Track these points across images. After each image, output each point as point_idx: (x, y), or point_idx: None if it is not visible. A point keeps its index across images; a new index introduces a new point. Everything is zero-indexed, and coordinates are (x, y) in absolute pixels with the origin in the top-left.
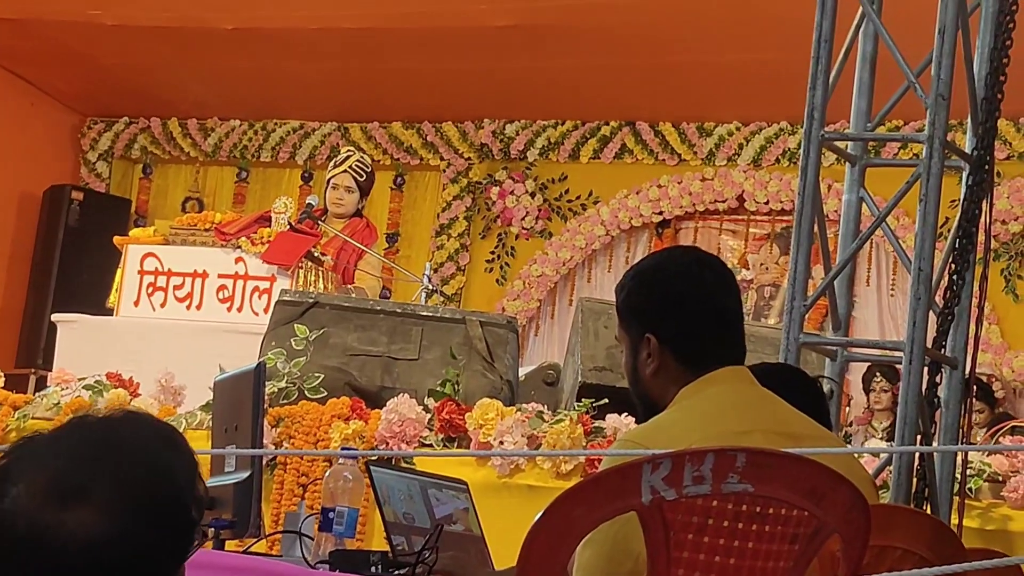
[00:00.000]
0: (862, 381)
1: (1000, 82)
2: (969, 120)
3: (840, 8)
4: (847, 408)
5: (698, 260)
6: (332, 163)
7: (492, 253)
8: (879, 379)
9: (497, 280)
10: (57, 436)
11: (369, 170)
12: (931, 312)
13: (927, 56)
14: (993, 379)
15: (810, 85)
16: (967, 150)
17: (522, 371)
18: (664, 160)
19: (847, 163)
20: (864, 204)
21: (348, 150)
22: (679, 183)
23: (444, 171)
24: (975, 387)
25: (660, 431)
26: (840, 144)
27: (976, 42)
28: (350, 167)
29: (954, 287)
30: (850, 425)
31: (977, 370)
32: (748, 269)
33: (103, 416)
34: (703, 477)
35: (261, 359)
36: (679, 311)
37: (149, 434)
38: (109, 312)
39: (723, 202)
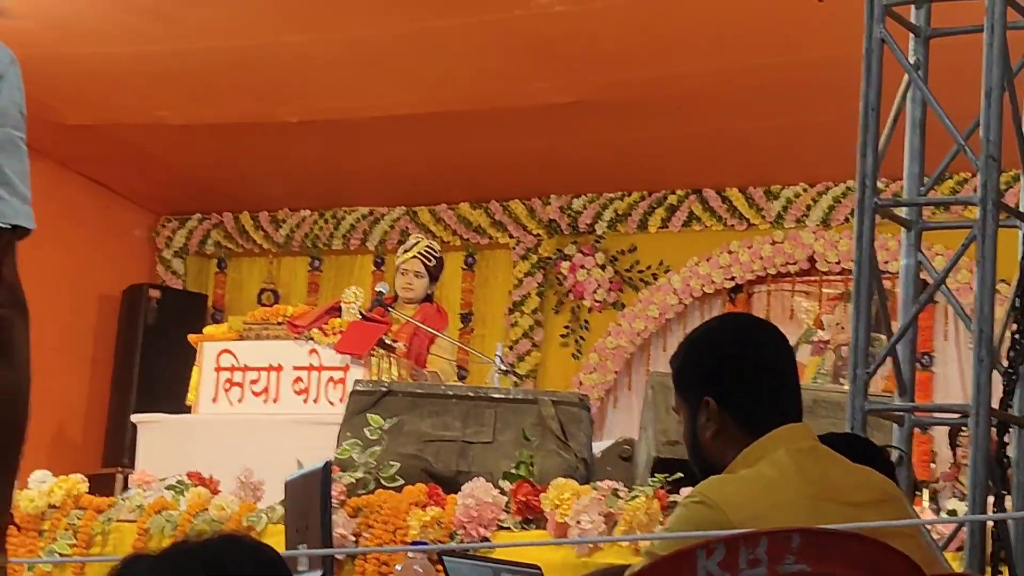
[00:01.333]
0: (948, 436)
1: None
2: (1022, 178)
3: (888, 73)
4: (932, 464)
5: (751, 323)
6: (401, 249)
7: (566, 327)
8: (965, 433)
9: (573, 354)
10: (160, 561)
11: (438, 255)
12: (997, 372)
13: (977, 116)
14: None
15: (860, 153)
16: (1022, 208)
17: (599, 446)
18: (733, 225)
19: (903, 228)
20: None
21: (417, 236)
22: (749, 247)
23: (514, 248)
24: None
25: (728, 485)
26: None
27: None
28: (419, 253)
29: (1017, 346)
30: (936, 481)
31: None
32: (823, 330)
33: (205, 540)
34: (759, 560)
35: (328, 458)
36: (736, 372)
37: (250, 560)
38: (189, 409)
39: (794, 264)
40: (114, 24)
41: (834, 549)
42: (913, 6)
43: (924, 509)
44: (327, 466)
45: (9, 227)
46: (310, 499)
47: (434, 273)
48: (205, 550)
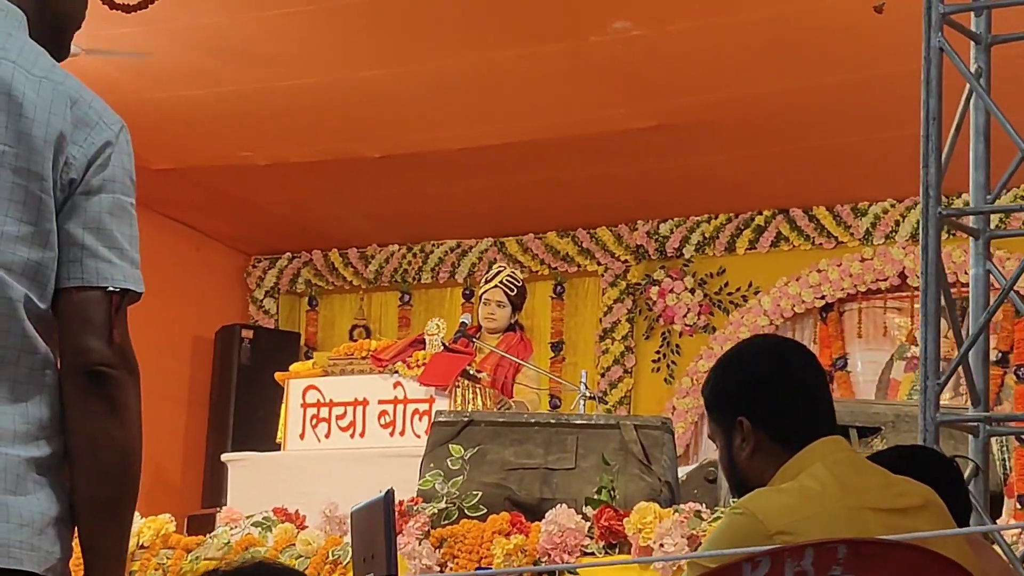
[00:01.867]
0: None
1: None
2: None
3: (952, 81)
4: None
5: (778, 341)
6: (484, 279)
7: (657, 353)
8: None
9: (665, 379)
10: None
11: (520, 284)
12: None
13: None
14: None
15: (923, 164)
16: None
17: (687, 470)
18: (821, 244)
19: (970, 237)
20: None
21: (499, 266)
22: (838, 266)
23: (602, 276)
24: None
25: (770, 500)
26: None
27: None
28: (501, 282)
29: None
30: None
31: None
32: (917, 345)
33: (237, 568)
34: (805, 572)
35: (390, 488)
36: (767, 390)
37: None
38: (279, 447)
39: (884, 280)
40: (193, 67)
41: (881, 558)
42: (972, 13)
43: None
44: (389, 494)
45: (119, 291)
46: (375, 528)
47: (516, 302)
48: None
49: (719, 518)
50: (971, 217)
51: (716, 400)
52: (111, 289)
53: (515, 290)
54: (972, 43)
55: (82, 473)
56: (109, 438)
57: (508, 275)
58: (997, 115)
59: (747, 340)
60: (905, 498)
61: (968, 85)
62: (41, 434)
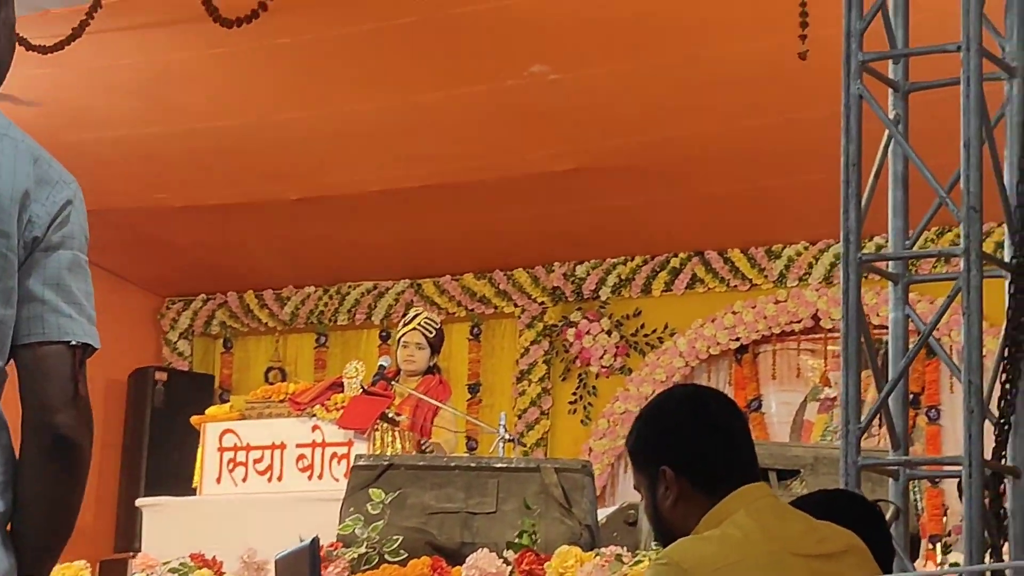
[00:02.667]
0: (957, 489)
1: None
2: (1005, 229)
3: (870, 127)
4: (944, 517)
5: (698, 391)
6: (401, 322)
7: (574, 394)
8: None
9: (582, 421)
10: None
11: (438, 326)
12: (989, 423)
13: (958, 169)
14: None
15: (843, 209)
16: (1007, 258)
17: (606, 512)
18: (736, 286)
19: (890, 282)
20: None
21: (416, 309)
22: (753, 307)
23: (519, 317)
24: None
25: (693, 549)
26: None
27: (1004, 152)
28: (419, 324)
29: (1008, 396)
30: (948, 535)
31: None
32: (830, 387)
33: None
34: None
35: (315, 536)
36: (688, 437)
37: None
38: (195, 492)
39: (798, 322)
40: (109, 109)
41: None
42: (891, 61)
43: (937, 563)
44: (315, 541)
45: (80, 345)
46: (299, 575)
47: (435, 344)
48: None
49: (640, 562)
50: (890, 262)
51: (639, 451)
52: (73, 344)
53: (433, 332)
54: (890, 90)
55: (31, 527)
56: (65, 499)
57: (426, 317)
58: (916, 161)
59: (667, 390)
60: (828, 543)
61: (887, 131)
62: None
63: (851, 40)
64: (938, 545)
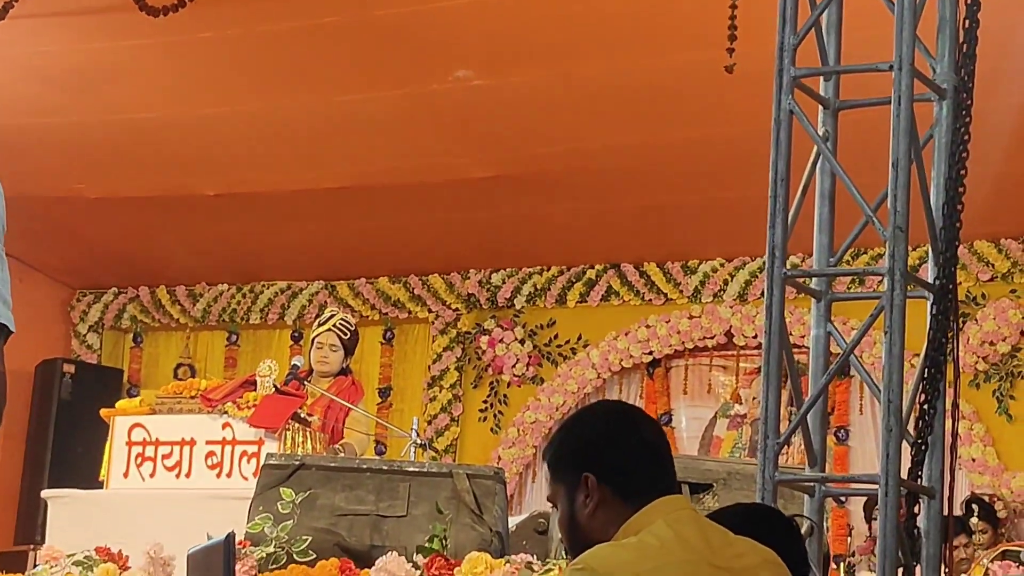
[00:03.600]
0: (863, 509)
1: (957, 212)
2: (930, 250)
3: (798, 144)
4: (849, 537)
5: (625, 405)
6: (316, 322)
7: (485, 402)
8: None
9: (492, 429)
10: None
11: (353, 328)
12: (906, 442)
13: (885, 188)
14: (995, 499)
15: (769, 224)
16: (930, 279)
17: (516, 520)
18: (651, 300)
19: (813, 299)
20: (832, 338)
21: (331, 310)
22: (667, 322)
23: (433, 323)
24: (977, 507)
25: (610, 555)
26: (806, 280)
27: (932, 173)
28: (334, 325)
29: (926, 416)
30: (852, 555)
31: (978, 491)
32: (741, 404)
33: None
34: None
35: (231, 530)
36: (612, 445)
37: None
38: (102, 485)
39: (712, 338)
40: (30, 96)
41: None
42: (822, 78)
43: None
44: (230, 537)
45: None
46: (213, 572)
47: (349, 346)
48: None
49: (550, 570)
50: (813, 279)
51: (559, 460)
52: None
53: (348, 334)
54: (820, 107)
55: None
56: None
57: (341, 319)
58: (844, 179)
59: (591, 404)
60: (746, 558)
61: (816, 148)
62: None
63: (784, 55)
64: (842, 565)
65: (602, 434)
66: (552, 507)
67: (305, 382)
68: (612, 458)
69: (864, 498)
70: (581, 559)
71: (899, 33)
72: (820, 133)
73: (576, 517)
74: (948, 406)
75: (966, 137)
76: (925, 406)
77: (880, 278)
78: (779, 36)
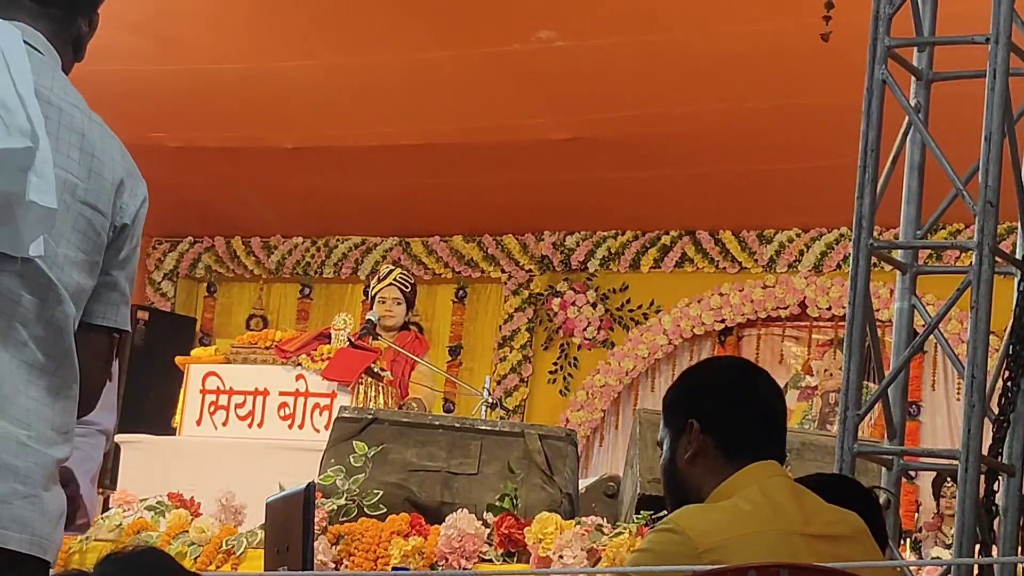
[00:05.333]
0: (932, 486)
1: None
2: (1019, 226)
3: (888, 116)
4: (916, 514)
5: (751, 364)
6: (375, 279)
7: (555, 364)
8: (949, 484)
9: (560, 391)
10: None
11: (412, 282)
12: (988, 419)
13: (975, 163)
14: None
15: (857, 194)
16: (1019, 255)
17: (584, 483)
18: (725, 268)
19: (898, 271)
20: (916, 312)
21: (388, 266)
22: (740, 291)
23: (505, 283)
24: None
25: (700, 516)
26: (892, 252)
27: None
28: (395, 279)
29: (1009, 393)
30: (919, 531)
31: None
32: (812, 376)
33: (124, 555)
34: None
35: (311, 480)
36: (724, 397)
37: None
38: (175, 432)
39: (785, 309)
40: (110, 42)
41: None
42: (916, 49)
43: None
44: (310, 487)
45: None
46: (291, 521)
47: (410, 299)
48: (125, 560)
49: (620, 534)
50: (899, 251)
51: (673, 404)
52: (123, 330)
53: (409, 287)
54: (913, 78)
55: None
56: None
57: (401, 272)
58: (935, 151)
59: (718, 356)
60: (836, 526)
61: (906, 119)
62: (65, 439)
63: (879, 24)
64: (908, 541)
65: (715, 384)
66: (659, 450)
67: (379, 336)
68: (718, 409)
69: (934, 474)
70: (670, 519)
71: (997, 5)
72: (912, 104)
73: (675, 462)
74: None
75: None
76: (1009, 383)
77: (959, 253)
78: (874, 5)
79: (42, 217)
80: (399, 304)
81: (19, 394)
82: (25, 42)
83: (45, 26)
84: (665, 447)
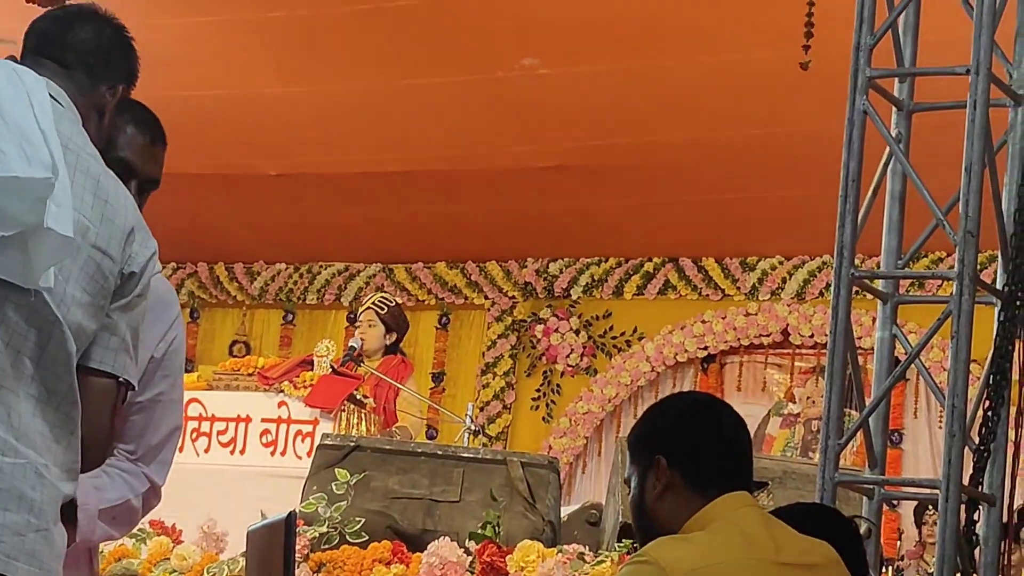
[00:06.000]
0: (914, 514)
1: None
2: (999, 256)
3: (869, 146)
4: (898, 541)
5: (709, 396)
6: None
7: (538, 391)
8: (931, 512)
9: (543, 418)
10: None
11: (391, 304)
12: (969, 448)
13: (956, 192)
14: None
15: (839, 224)
16: (999, 285)
17: (566, 510)
18: (708, 295)
19: (879, 300)
20: (898, 341)
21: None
22: (723, 318)
23: (489, 310)
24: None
25: (673, 548)
26: (873, 281)
27: (1004, 179)
28: (372, 303)
29: (989, 423)
30: (901, 559)
31: None
32: (795, 403)
33: None
34: None
35: (293, 507)
36: (690, 431)
37: None
38: None
39: (767, 336)
40: None
41: None
42: (896, 79)
43: None
44: (291, 516)
45: (126, 382)
46: (273, 549)
47: (388, 321)
48: None
49: (602, 562)
50: (880, 281)
51: (639, 441)
52: (122, 380)
53: (385, 309)
54: (894, 109)
55: None
56: None
57: (380, 296)
58: (915, 181)
59: (681, 392)
60: (808, 555)
61: (887, 149)
62: (70, 477)
63: (860, 55)
64: (890, 569)
65: (680, 419)
66: (625, 488)
67: (362, 363)
68: (686, 443)
69: (915, 502)
70: (644, 551)
71: (977, 37)
72: (893, 134)
73: (644, 498)
74: (1012, 414)
75: None
76: (989, 413)
77: (941, 282)
78: (856, 36)
79: (58, 245)
80: (372, 327)
81: (31, 428)
82: (48, 94)
83: (68, 86)
84: (633, 484)
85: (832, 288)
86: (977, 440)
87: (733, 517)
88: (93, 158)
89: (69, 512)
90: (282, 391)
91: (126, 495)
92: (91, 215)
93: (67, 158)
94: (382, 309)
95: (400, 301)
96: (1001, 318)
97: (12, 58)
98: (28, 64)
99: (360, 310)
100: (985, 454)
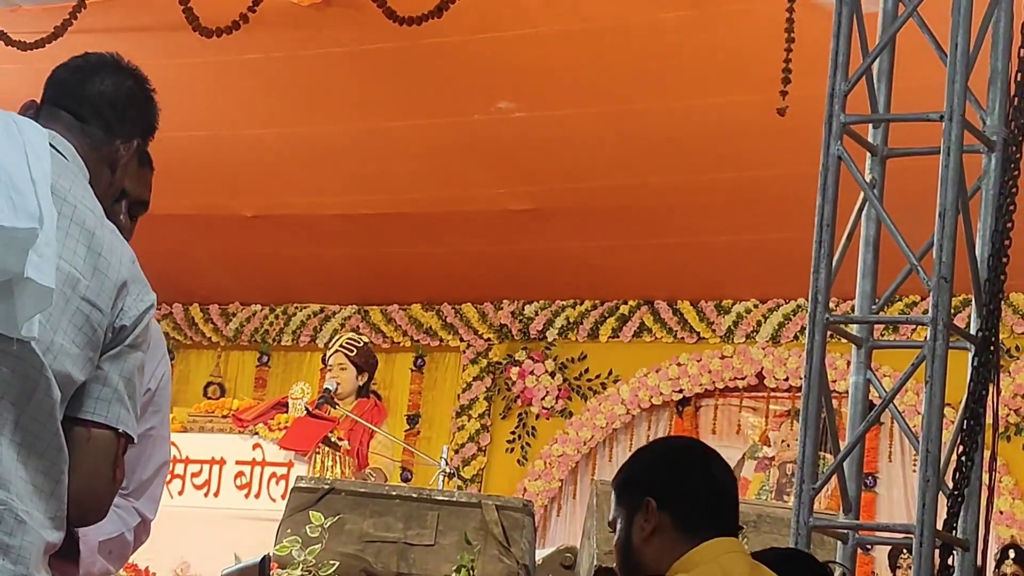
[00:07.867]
0: (888, 558)
1: (1003, 264)
2: (973, 301)
3: (843, 190)
4: None
5: (697, 442)
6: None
7: (513, 433)
8: (906, 556)
9: (518, 460)
10: None
11: (360, 345)
12: (943, 493)
13: (930, 238)
14: None
15: (813, 269)
16: (973, 330)
17: (541, 553)
18: (683, 338)
19: (853, 345)
20: (872, 386)
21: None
22: (698, 361)
23: (464, 352)
24: (1013, 552)
25: None
26: (848, 326)
27: (977, 224)
28: (341, 345)
29: (963, 468)
30: None
31: (1008, 542)
32: (770, 446)
33: None
34: None
35: (267, 551)
36: (679, 475)
37: None
38: None
39: (742, 379)
40: None
41: None
42: (871, 125)
43: None
44: (265, 559)
45: (125, 435)
46: None
47: (359, 364)
48: None
49: None
50: (855, 326)
51: (626, 484)
52: (121, 432)
53: (355, 351)
54: (868, 154)
55: None
56: None
57: (348, 338)
58: (889, 226)
59: (669, 436)
60: None
61: (861, 194)
62: (55, 526)
63: (834, 101)
64: None
65: (670, 462)
66: (610, 531)
67: (336, 406)
68: (676, 487)
69: (889, 547)
70: None
71: (951, 84)
72: (867, 180)
73: (631, 540)
74: (986, 458)
75: (1014, 190)
76: (963, 457)
77: (915, 327)
78: (830, 82)
79: (38, 295)
80: (343, 369)
81: (12, 473)
82: (51, 146)
83: (79, 141)
84: (619, 526)
85: (807, 333)
86: (951, 485)
87: (719, 561)
88: (91, 211)
89: (71, 547)
90: (256, 433)
91: (120, 528)
92: (82, 268)
93: (63, 210)
94: (351, 351)
95: (374, 342)
96: (975, 363)
97: (32, 103)
98: (45, 113)
99: (329, 354)
100: (959, 499)
